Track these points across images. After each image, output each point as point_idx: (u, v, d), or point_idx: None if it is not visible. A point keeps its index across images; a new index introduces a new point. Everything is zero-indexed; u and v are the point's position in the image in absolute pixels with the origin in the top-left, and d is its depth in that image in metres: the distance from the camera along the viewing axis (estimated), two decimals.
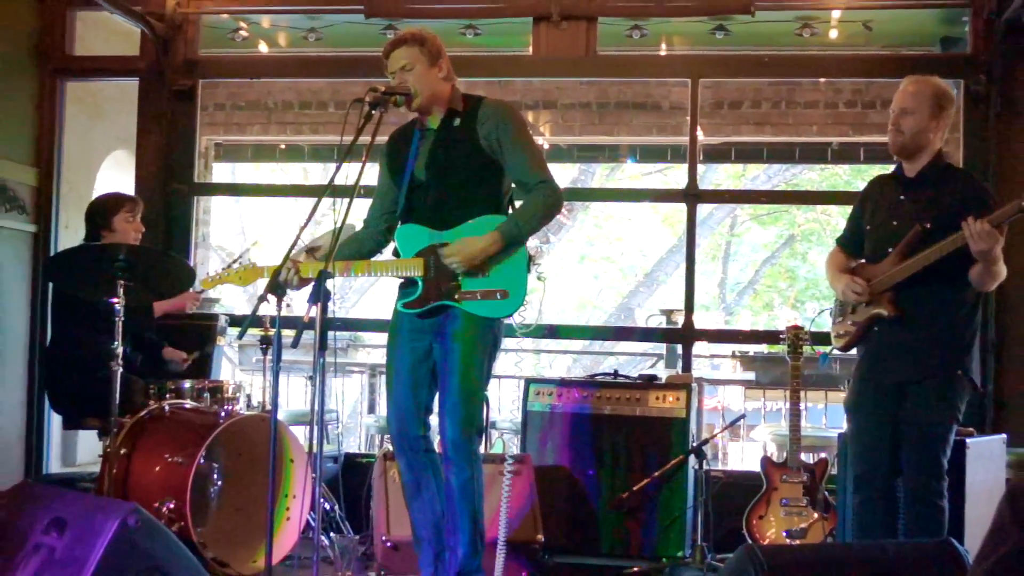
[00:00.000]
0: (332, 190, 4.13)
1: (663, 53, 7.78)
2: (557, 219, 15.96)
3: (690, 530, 5.91)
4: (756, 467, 5.94)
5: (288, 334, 4.08)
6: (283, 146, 10.76)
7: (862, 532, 4.67)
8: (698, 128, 7.06)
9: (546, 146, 9.85)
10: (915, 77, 4.71)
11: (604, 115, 9.73)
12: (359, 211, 4.56)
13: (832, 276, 4.93)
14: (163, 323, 6.18)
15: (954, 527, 4.58)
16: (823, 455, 6.06)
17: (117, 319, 5.04)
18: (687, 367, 6.94)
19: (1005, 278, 4.54)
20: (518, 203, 4.65)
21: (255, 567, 5.19)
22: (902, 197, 4.69)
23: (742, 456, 9.96)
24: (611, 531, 5.93)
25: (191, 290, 6.00)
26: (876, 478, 4.64)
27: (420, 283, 4.54)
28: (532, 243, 4.56)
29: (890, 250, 4.61)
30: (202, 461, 5.08)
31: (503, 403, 8.60)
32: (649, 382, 6.20)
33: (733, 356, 10.87)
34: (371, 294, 16.66)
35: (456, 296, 4.48)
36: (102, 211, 5.83)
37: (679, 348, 7.25)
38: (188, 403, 5.50)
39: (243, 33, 7.79)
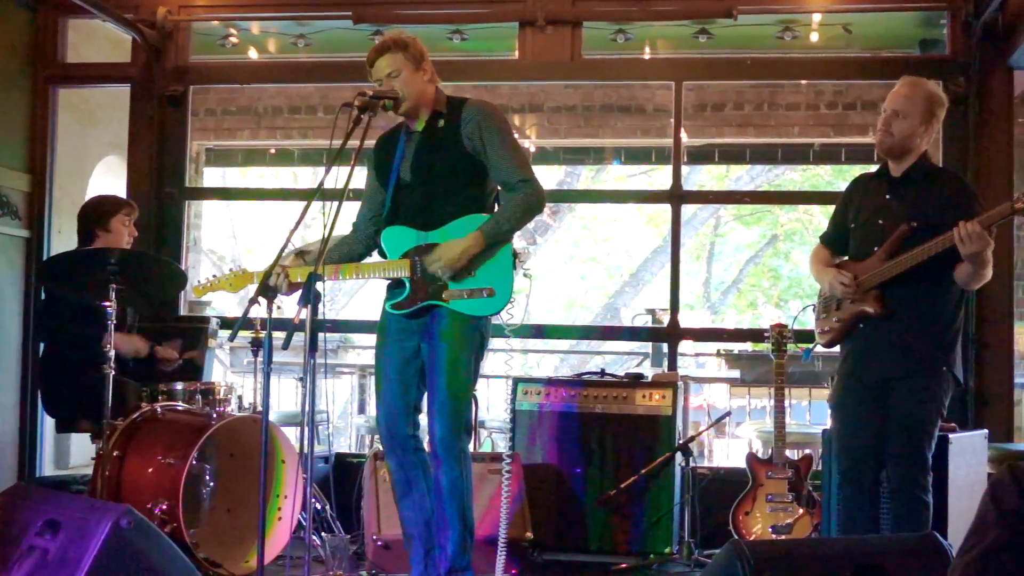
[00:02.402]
0: (321, 193, 4.16)
1: (647, 57, 7.81)
2: (543, 220, 16.11)
3: (677, 526, 5.95)
4: (742, 464, 5.97)
5: (279, 336, 4.09)
6: (273, 150, 10.78)
7: (848, 527, 4.67)
8: (682, 130, 7.11)
9: (532, 149, 9.89)
10: (910, 79, 4.71)
11: (589, 118, 9.78)
12: (348, 214, 4.60)
13: (817, 271, 4.94)
14: (153, 325, 6.22)
15: (937, 521, 4.60)
16: (807, 451, 6.09)
17: (109, 322, 5.08)
18: (673, 365, 6.96)
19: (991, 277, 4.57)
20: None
21: (247, 567, 5.19)
22: (888, 196, 4.70)
23: (727, 453, 9.97)
24: (599, 528, 5.98)
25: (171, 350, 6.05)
26: (863, 473, 4.66)
27: (407, 284, 4.56)
28: (519, 243, 4.57)
29: (876, 248, 4.62)
30: (194, 462, 5.08)
31: (492, 402, 8.63)
32: (635, 381, 6.24)
33: (718, 354, 10.89)
34: (360, 296, 16.67)
35: (443, 296, 4.50)
36: (100, 212, 5.82)
37: (665, 347, 7.29)
38: (180, 405, 5.51)
39: (233, 40, 7.80)
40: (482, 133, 4.58)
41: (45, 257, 7.02)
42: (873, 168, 4.92)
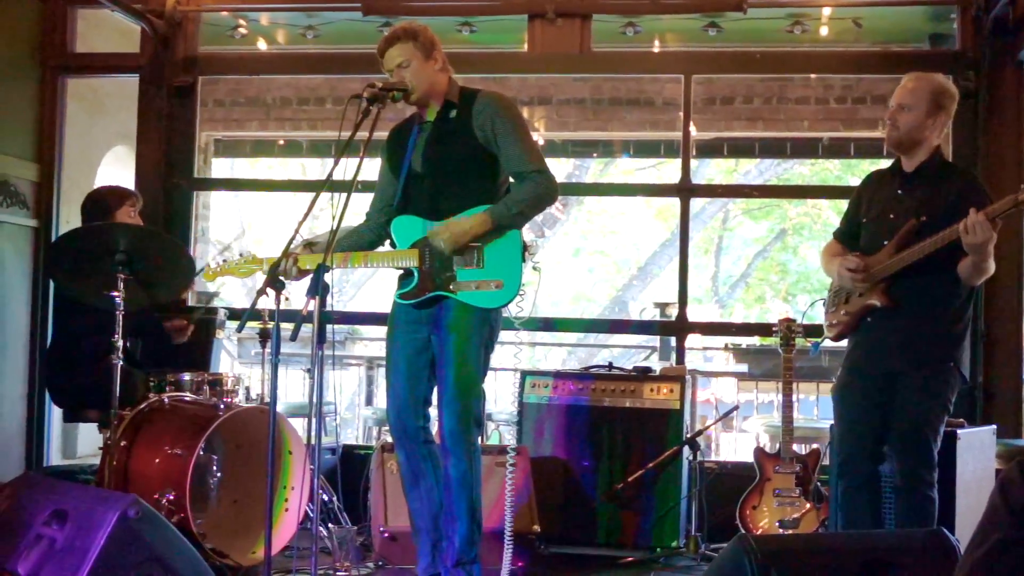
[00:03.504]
0: (330, 185, 4.17)
1: (656, 50, 7.80)
2: (551, 213, 16.09)
3: (684, 520, 5.96)
4: (749, 458, 5.98)
5: (287, 327, 4.08)
6: (282, 142, 10.75)
7: (847, 518, 4.67)
8: (691, 124, 7.11)
9: (541, 141, 9.86)
10: (916, 74, 4.71)
11: (598, 111, 9.76)
12: (357, 206, 4.61)
13: (826, 263, 4.94)
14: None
15: (945, 517, 4.59)
16: (815, 446, 6.09)
17: (118, 312, 5.08)
18: (681, 359, 6.97)
19: (994, 271, 4.56)
20: None
21: (254, 558, 5.18)
22: (900, 191, 4.70)
23: (735, 447, 10.00)
24: (606, 521, 5.97)
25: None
26: (860, 464, 4.66)
27: (416, 274, 4.56)
28: (528, 236, 4.56)
29: (885, 243, 4.62)
30: (201, 453, 5.07)
31: (499, 395, 8.63)
32: (643, 374, 6.23)
33: (726, 348, 10.91)
34: (369, 287, 16.67)
35: (451, 287, 4.50)
36: (105, 202, 5.79)
37: (673, 341, 7.26)
38: (187, 395, 5.49)
39: (242, 30, 7.80)
40: (494, 124, 4.57)
41: None
42: (882, 163, 4.93)
